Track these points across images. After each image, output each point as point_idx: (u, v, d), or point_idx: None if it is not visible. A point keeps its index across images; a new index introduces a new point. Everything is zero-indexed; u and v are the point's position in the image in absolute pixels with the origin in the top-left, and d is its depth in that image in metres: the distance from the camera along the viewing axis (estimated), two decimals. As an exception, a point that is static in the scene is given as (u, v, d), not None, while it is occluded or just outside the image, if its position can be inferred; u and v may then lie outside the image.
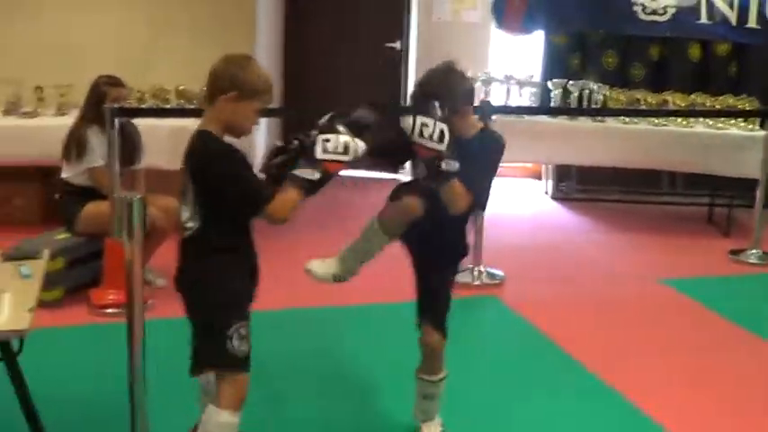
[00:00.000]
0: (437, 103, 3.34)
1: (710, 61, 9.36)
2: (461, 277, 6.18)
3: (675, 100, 8.34)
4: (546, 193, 9.40)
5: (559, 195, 9.32)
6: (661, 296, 6.22)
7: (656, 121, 8.12)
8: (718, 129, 8.06)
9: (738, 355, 5.18)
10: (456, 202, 3.50)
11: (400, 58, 10.04)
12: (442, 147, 3.26)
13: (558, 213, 8.71)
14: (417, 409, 3.97)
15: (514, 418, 4.22)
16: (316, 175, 3.12)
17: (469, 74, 8.59)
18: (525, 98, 8.34)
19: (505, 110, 7.74)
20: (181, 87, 7.03)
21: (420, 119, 3.24)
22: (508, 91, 8.29)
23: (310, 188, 3.13)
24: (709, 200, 8.68)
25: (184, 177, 3.20)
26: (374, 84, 9.86)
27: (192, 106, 6.95)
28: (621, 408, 4.38)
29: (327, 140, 3.12)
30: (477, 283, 6.23)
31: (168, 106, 7.02)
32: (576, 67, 9.29)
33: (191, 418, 3.99)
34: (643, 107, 8.23)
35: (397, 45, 10.00)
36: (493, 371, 4.79)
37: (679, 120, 8.15)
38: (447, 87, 3.60)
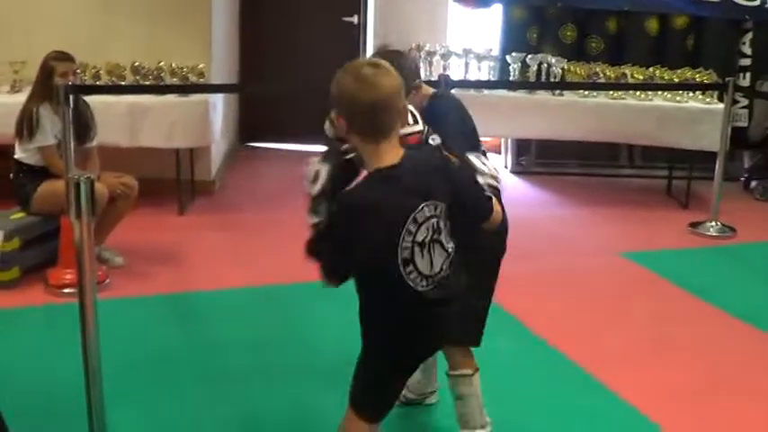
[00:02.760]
0: None
1: (668, 34, 9.37)
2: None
3: (634, 73, 8.36)
4: (506, 167, 9.39)
5: (519, 169, 9.31)
6: (621, 269, 6.24)
7: (615, 94, 8.13)
8: (677, 102, 8.08)
9: (698, 326, 5.21)
10: None
11: (358, 32, 9.97)
12: (420, 126, 3.20)
13: (518, 187, 8.71)
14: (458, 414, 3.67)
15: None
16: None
17: (427, 47, 8.62)
18: (484, 72, 8.33)
19: (464, 84, 7.73)
20: (136, 64, 6.94)
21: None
22: (467, 65, 8.27)
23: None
24: (668, 173, 8.72)
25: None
26: (331, 59, 9.77)
27: (148, 83, 6.88)
28: (581, 379, 4.39)
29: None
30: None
31: (124, 83, 6.94)
32: (535, 40, 9.27)
33: (146, 397, 3.96)
34: (601, 80, 8.24)
35: (355, 20, 9.93)
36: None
37: (637, 93, 8.17)
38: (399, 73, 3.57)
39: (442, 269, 2.72)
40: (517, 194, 8.42)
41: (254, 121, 9.96)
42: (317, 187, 2.79)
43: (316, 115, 10.47)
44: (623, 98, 8.10)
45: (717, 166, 7.30)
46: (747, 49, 9.36)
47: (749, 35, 9.33)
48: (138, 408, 3.87)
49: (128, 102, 6.65)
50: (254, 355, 4.51)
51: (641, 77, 8.32)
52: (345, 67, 2.66)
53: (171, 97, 6.80)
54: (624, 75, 8.34)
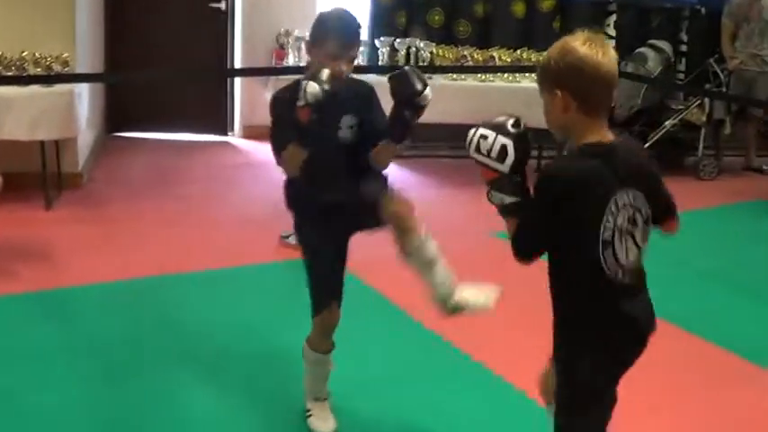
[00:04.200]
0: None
1: (535, 17, 9.53)
2: (293, 239, 6.13)
3: (501, 56, 8.47)
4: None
5: (390, 153, 9.34)
6: (493, 248, 6.28)
7: (483, 77, 8.23)
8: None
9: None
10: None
11: (226, 18, 9.88)
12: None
13: (390, 171, 8.72)
14: (440, 287, 3.79)
15: (353, 375, 4.21)
16: None
17: (296, 33, 8.58)
18: (353, 57, 8.33)
19: (334, 69, 7.71)
20: (-5, 53, 6.75)
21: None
22: (336, 50, 8.26)
23: None
24: (538, 152, 8.85)
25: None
26: (199, 46, 9.69)
27: (10, 74, 6.69)
28: (458, 360, 4.43)
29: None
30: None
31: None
32: (403, 25, 9.32)
33: (20, 400, 3.86)
34: (470, 64, 8.33)
35: (222, 5, 9.83)
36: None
37: (505, 75, 8.28)
38: None
39: (632, 263, 2.60)
40: (389, 178, 8.43)
41: (121, 110, 9.79)
42: (509, 162, 2.66)
43: (184, 103, 10.34)
44: (492, 81, 8.21)
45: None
46: (611, 31, 9.58)
47: (613, 17, 9.55)
48: (12, 411, 3.77)
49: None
50: (129, 349, 4.42)
51: (509, 60, 8.44)
52: (566, 41, 2.64)
53: (34, 88, 6.62)
54: (492, 58, 8.46)
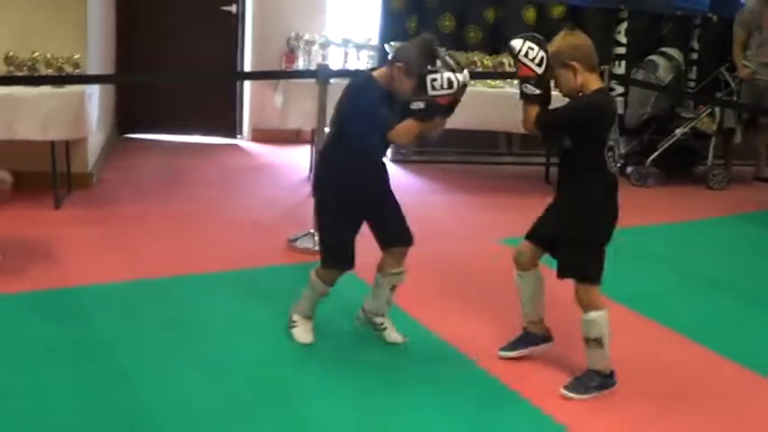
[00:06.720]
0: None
1: (546, 24, 9.49)
2: (302, 243, 6.14)
3: (511, 62, 8.44)
4: (386, 156, 9.41)
5: (398, 158, 9.33)
6: (500, 255, 6.27)
7: (493, 83, 8.22)
8: (556, 90, 8.19)
9: (575, 309, 5.27)
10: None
11: (236, 22, 9.89)
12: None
13: (398, 176, 8.72)
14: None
15: (357, 380, 4.21)
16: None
17: (306, 37, 8.58)
18: (363, 61, 8.33)
19: (343, 73, 7.72)
20: (10, 54, 6.75)
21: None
22: (346, 54, 8.27)
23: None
24: (546, 160, 8.85)
25: None
26: (210, 49, 9.71)
27: (22, 74, 6.71)
28: (465, 367, 4.42)
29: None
30: (317, 248, 6.17)
31: (-5, 74, 6.76)
32: (414, 30, 9.31)
33: (25, 400, 3.86)
34: (480, 70, 8.31)
35: (233, 9, 9.85)
36: (332, 333, 4.74)
37: (515, 81, 8.26)
38: None
39: None
40: (397, 183, 8.39)
41: (132, 112, 9.81)
42: (543, 68, 4.01)
43: (194, 105, 10.34)
44: (502, 87, 8.20)
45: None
46: (622, 38, 9.57)
47: (624, 24, 9.54)
48: (16, 412, 3.76)
49: (1, 93, 6.47)
50: (136, 350, 4.42)
51: (519, 66, 8.42)
52: (569, 32, 4.22)
53: (46, 88, 6.63)
54: (502, 63, 8.44)
